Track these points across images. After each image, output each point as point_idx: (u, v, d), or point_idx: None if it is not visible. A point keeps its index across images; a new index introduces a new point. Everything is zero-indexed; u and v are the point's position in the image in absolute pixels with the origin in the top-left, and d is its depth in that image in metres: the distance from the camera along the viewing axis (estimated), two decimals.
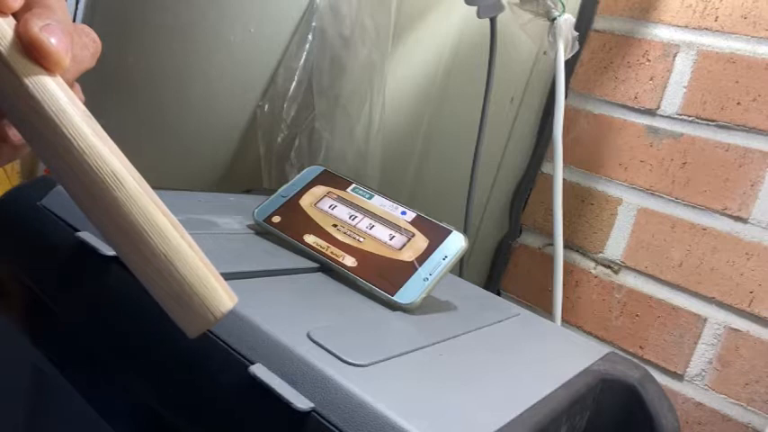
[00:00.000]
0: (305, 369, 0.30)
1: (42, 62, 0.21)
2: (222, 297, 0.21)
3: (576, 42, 0.67)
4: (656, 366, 0.70)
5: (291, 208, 0.50)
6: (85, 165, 0.20)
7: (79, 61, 0.23)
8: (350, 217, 0.49)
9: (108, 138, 0.21)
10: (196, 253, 0.22)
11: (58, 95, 0.21)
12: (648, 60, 0.73)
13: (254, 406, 0.30)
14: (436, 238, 0.47)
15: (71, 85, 0.22)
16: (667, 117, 0.71)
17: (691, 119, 0.69)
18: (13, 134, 0.23)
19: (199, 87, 0.89)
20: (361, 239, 0.47)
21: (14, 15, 0.21)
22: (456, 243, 0.47)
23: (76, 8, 1.07)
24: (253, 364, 0.31)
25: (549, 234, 0.77)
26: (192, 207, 0.51)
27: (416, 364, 0.35)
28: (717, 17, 0.68)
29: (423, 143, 0.89)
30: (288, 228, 0.48)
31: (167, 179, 0.92)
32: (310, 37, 0.80)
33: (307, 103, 0.81)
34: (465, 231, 0.58)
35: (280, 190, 0.52)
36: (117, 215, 0.20)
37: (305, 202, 0.51)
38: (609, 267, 0.74)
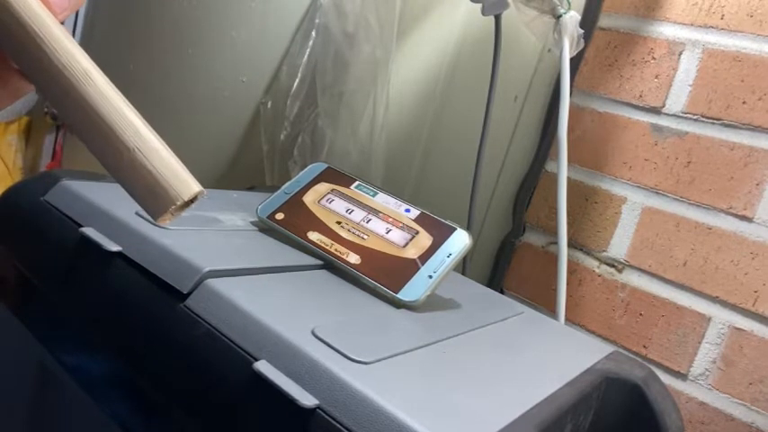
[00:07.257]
0: (310, 366, 0.30)
1: None
2: (192, 187, 0.22)
3: (582, 40, 0.66)
4: (660, 366, 0.70)
5: (295, 205, 0.50)
6: (57, 62, 0.21)
7: None
8: (354, 214, 0.49)
9: (76, 43, 0.23)
10: (166, 148, 0.22)
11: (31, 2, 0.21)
12: (654, 58, 0.72)
13: (259, 403, 0.30)
14: (440, 235, 0.47)
15: None
16: (672, 115, 0.71)
17: (696, 117, 0.69)
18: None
19: (202, 84, 0.89)
20: (365, 237, 0.47)
21: None
22: (460, 240, 0.47)
23: None
24: (257, 360, 0.31)
25: (553, 232, 0.77)
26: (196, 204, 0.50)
27: (421, 362, 0.35)
28: (723, 15, 0.68)
29: (426, 141, 0.89)
30: (291, 225, 0.48)
31: None
32: (314, 34, 0.80)
33: (310, 100, 0.81)
34: (468, 229, 0.57)
35: (283, 187, 0.52)
36: (90, 110, 0.21)
37: (308, 199, 0.51)
38: (613, 266, 0.74)
